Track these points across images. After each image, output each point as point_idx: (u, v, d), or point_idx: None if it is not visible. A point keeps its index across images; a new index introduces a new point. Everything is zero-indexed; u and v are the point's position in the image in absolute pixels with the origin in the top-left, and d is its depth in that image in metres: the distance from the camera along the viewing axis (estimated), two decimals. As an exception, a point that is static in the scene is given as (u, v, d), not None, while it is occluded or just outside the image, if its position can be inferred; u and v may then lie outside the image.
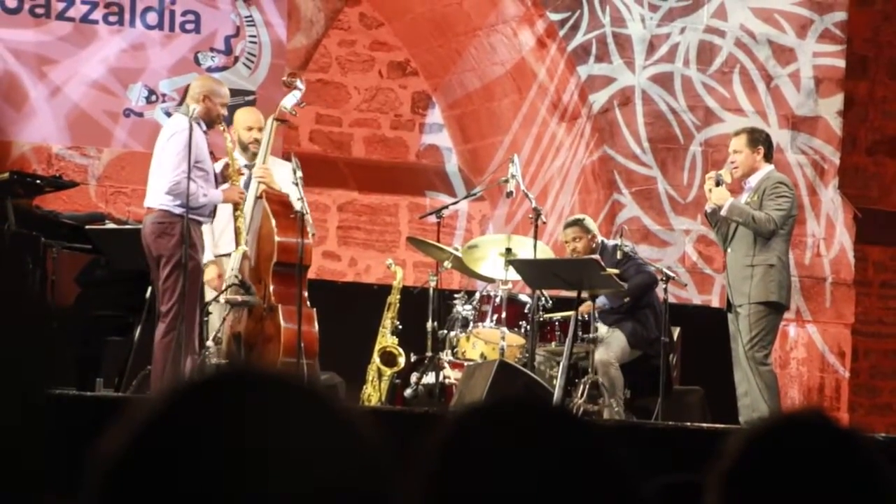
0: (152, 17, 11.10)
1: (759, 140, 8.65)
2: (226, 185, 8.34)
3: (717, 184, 8.52)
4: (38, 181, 9.08)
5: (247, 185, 8.64)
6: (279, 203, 8.48)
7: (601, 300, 9.22)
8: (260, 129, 8.78)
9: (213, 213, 8.25)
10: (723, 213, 8.47)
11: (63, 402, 6.73)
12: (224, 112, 8.25)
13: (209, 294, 8.55)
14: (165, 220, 7.96)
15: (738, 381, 8.51)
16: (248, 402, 1.27)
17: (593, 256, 9.16)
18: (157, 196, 8.03)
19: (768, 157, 8.66)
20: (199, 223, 8.13)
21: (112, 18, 11.02)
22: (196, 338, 8.08)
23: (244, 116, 8.82)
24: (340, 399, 1.29)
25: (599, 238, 9.51)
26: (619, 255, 9.29)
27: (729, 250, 8.61)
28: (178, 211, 7.96)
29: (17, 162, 10.80)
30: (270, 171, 8.57)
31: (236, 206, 8.30)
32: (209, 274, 8.59)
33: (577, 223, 9.49)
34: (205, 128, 8.15)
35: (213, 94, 8.14)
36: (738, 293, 8.50)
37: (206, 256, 8.52)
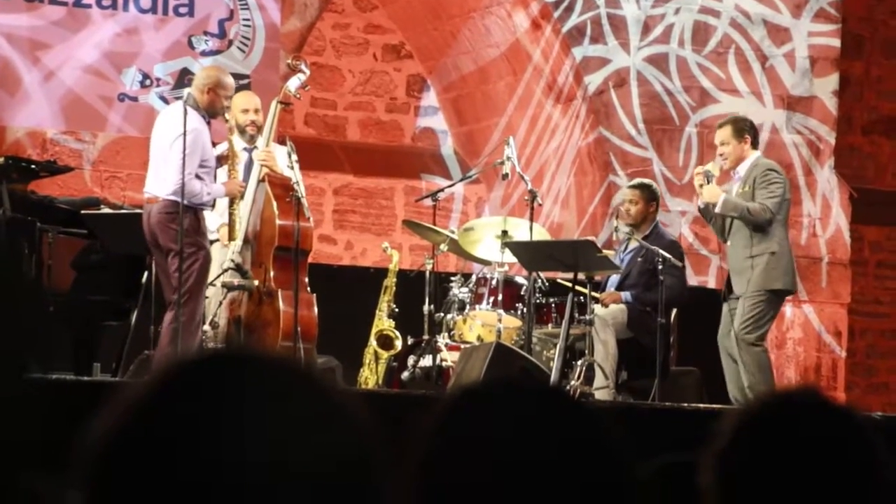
0: (146, 1, 11.07)
1: (744, 129, 8.63)
2: (224, 179, 8.36)
3: (707, 179, 8.49)
4: (32, 166, 9.07)
5: (247, 168, 8.65)
6: (281, 187, 8.48)
7: (626, 295, 9.15)
8: (256, 111, 8.78)
9: (214, 203, 8.30)
10: (717, 210, 8.45)
11: (60, 387, 6.73)
12: (228, 103, 8.26)
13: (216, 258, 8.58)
14: (173, 211, 7.95)
15: (724, 363, 8.52)
16: (237, 385, 1.27)
17: (589, 238, 9.14)
18: (165, 185, 8.00)
19: (755, 145, 8.65)
20: (203, 210, 8.17)
21: (105, 2, 11.00)
22: (201, 323, 8.11)
23: (240, 100, 8.81)
24: (331, 381, 1.29)
25: (658, 218, 9.33)
26: (621, 242, 9.24)
27: (728, 243, 8.60)
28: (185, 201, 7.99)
29: (12, 147, 10.79)
30: (273, 153, 8.56)
31: (233, 200, 8.31)
32: (224, 237, 8.63)
33: (643, 187, 9.32)
34: (208, 118, 8.15)
35: (219, 86, 8.13)
36: (740, 283, 8.47)
37: (217, 221, 8.59)
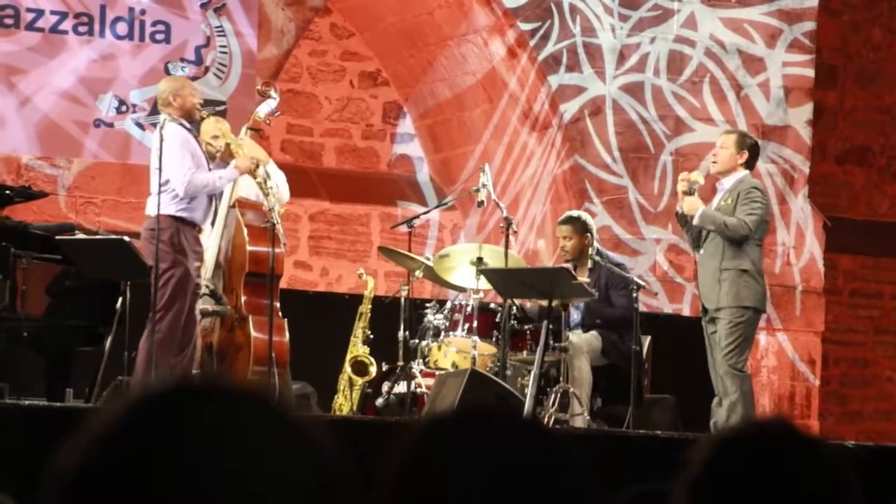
0: (122, 28, 11.07)
1: (746, 145, 8.68)
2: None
3: (690, 190, 8.50)
4: (7, 192, 9.05)
5: (219, 195, 8.66)
6: (252, 212, 8.48)
7: (574, 318, 9.18)
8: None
9: (207, 214, 8.31)
10: (695, 222, 8.47)
11: (33, 413, 6.70)
12: (197, 100, 8.36)
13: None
14: (156, 227, 8.02)
15: (716, 388, 8.53)
16: (203, 414, 1.27)
17: (564, 265, 9.14)
18: (152, 202, 8.11)
19: (749, 165, 8.68)
20: (193, 226, 8.17)
21: (82, 29, 10.99)
22: (177, 344, 8.11)
23: (209, 127, 8.79)
24: (297, 409, 1.29)
25: (597, 244, 9.30)
26: (590, 265, 9.24)
27: (701, 251, 8.60)
28: (169, 212, 8.05)
29: (-13, 172, 10.76)
30: (252, 142, 8.62)
31: (255, 172, 8.34)
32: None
33: (569, 221, 9.24)
34: (188, 125, 8.27)
35: (180, 90, 8.31)
36: (709, 297, 8.50)
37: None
